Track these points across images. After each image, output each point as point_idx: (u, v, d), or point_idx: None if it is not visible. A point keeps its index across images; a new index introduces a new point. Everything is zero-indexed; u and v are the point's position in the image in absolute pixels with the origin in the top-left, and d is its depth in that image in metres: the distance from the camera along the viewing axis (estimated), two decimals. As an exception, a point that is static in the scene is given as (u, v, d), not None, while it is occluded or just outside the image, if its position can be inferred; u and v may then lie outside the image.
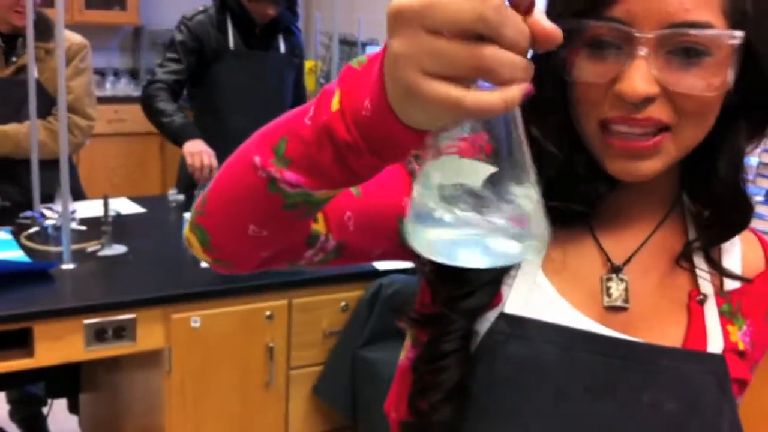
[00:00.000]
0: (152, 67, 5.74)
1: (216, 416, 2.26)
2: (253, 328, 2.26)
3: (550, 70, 0.73)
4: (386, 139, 0.55)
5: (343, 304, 2.36)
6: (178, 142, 2.88)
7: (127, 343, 2.09)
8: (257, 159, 0.64)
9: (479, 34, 0.46)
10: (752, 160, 2.66)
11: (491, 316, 0.79)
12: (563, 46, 0.69)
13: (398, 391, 0.88)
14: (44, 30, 2.76)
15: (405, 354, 0.88)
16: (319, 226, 0.76)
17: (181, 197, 2.90)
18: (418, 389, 0.80)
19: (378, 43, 4.89)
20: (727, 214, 0.81)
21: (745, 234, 0.87)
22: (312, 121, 0.59)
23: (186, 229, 0.75)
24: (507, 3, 0.47)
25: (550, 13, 0.74)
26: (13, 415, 3.04)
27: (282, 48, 3.15)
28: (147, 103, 2.96)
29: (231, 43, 3.03)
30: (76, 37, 2.86)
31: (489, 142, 0.51)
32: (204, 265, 2.18)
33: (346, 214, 0.78)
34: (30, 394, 2.97)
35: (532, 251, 0.52)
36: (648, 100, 0.70)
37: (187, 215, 2.48)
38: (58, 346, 2.03)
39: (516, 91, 0.47)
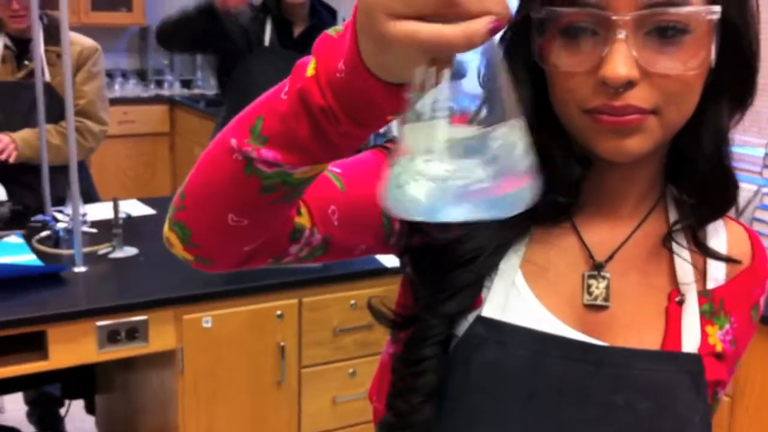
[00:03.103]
0: (160, 67, 5.79)
1: (229, 415, 2.29)
2: (264, 328, 2.28)
3: (521, 57, 0.72)
4: (361, 99, 0.55)
5: (352, 302, 2.37)
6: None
7: (139, 344, 2.11)
8: (233, 141, 0.63)
9: None
10: (759, 151, 2.66)
11: (470, 318, 0.78)
12: (538, 34, 0.70)
13: (379, 382, 0.88)
14: (55, 34, 2.78)
15: (385, 348, 0.88)
16: (303, 220, 0.75)
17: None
18: (398, 391, 0.80)
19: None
20: (713, 193, 0.79)
21: (733, 226, 0.86)
22: (288, 93, 0.59)
23: (165, 227, 0.73)
24: None
25: (523, 2, 0.73)
26: (31, 415, 3.07)
27: None
28: (164, 26, 2.96)
29: (267, 40, 3.06)
30: (87, 41, 2.87)
31: (472, 95, 0.49)
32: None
33: (330, 208, 0.77)
34: (47, 394, 3.01)
35: (527, 202, 0.50)
36: (629, 84, 0.69)
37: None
38: (71, 348, 2.05)
39: (480, 24, 0.46)
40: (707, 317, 0.81)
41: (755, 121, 2.70)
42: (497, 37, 0.49)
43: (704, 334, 0.81)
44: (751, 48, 0.74)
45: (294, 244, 0.75)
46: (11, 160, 2.67)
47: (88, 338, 2.05)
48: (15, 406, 3.13)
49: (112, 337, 2.06)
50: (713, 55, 0.71)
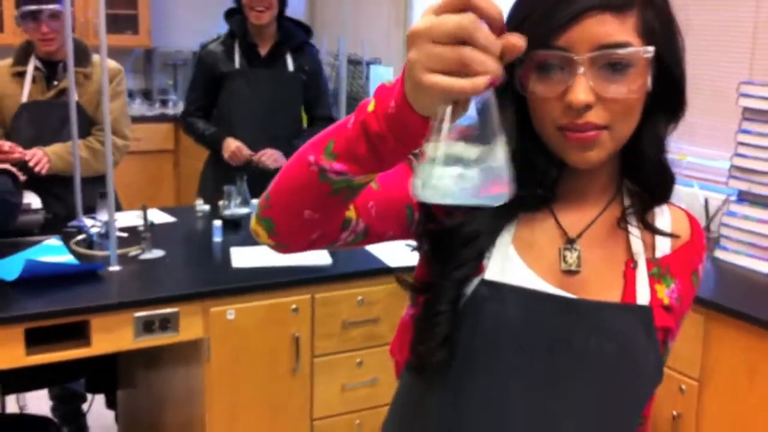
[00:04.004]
0: (164, 86, 6.04)
1: (249, 400, 2.51)
2: (280, 320, 2.52)
3: (508, 91, 0.96)
4: (404, 125, 0.79)
5: (359, 298, 2.62)
6: (216, 148, 3.38)
7: (171, 333, 2.35)
8: (311, 157, 0.87)
9: (463, 42, 0.72)
10: (724, 163, 2.92)
11: (475, 282, 1.00)
12: (519, 70, 0.96)
13: (400, 340, 1.12)
14: (82, 57, 3.03)
15: (405, 311, 1.12)
16: (351, 213, 0.98)
17: (207, 207, 3.17)
18: (419, 339, 1.02)
19: (380, 62, 5.18)
20: (655, 184, 1.05)
21: (677, 211, 1.12)
22: (353, 124, 0.84)
23: (253, 222, 0.98)
24: (484, 24, 0.72)
25: None
26: (56, 410, 3.27)
27: (290, 65, 3.43)
28: (186, 129, 3.58)
29: (237, 64, 3.37)
30: (111, 63, 3.09)
31: (475, 125, 0.75)
32: (235, 264, 2.46)
33: (369, 203, 1.00)
34: (71, 390, 3.22)
35: (503, 200, 0.76)
36: (588, 107, 0.93)
37: (216, 222, 2.76)
38: (111, 337, 2.29)
39: (482, 80, 0.71)
40: (656, 278, 1.06)
41: (724, 137, 2.97)
42: None
43: (653, 291, 1.05)
44: (678, 75, 1.01)
45: (344, 231, 0.99)
46: (43, 171, 2.90)
47: (126, 328, 2.29)
48: (39, 403, 3.32)
49: (147, 327, 2.30)
50: (649, 83, 0.97)
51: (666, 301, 1.06)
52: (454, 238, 1.02)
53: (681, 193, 3.02)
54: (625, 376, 1.03)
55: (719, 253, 2.73)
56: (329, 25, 5.62)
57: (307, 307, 2.56)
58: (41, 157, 2.91)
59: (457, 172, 0.74)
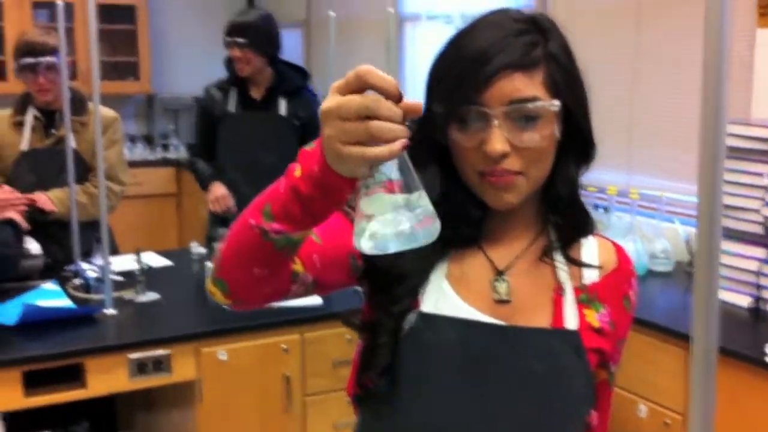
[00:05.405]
0: (166, 131, 6.15)
1: (241, 439, 2.57)
2: (271, 360, 2.58)
3: (431, 139, 1.06)
4: (330, 186, 0.89)
5: (348, 337, 2.66)
6: (205, 188, 3.51)
7: (164, 374, 2.41)
8: (252, 221, 0.96)
9: (369, 116, 0.81)
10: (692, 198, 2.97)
11: (412, 316, 1.09)
12: (441, 121, 1.05)
13: (353, 377, 1.19)
14: (79, 106, 3.13)
15: (355, 350, 1.18)
16: (298, 267, 1.07)
17: (203, 250, 3.25)
18: (362, 369, 1.10)
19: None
20: (573, 221, 1.14)
21: (604, 242, 1.19)
22: (284, 188, 0.94)
23: (208, 284, 1.06)
24: (383, 97, 0.82)
25: (429, 100, 1.07)
26: (57, 452, 3.32)
27: (284, 110, 3.51)
28: (189, 168, 3.86)
29: (231, 108, 3.49)
30: (107, 111, 3.19)
31: (395, 180, 0.84)
32: (226, 307, 2.52)
33: (314, 256, 1.08)
34: (73, 432, 3.27)
35: (434, 234, 0.85)
36: (504, 156, 1.03)
37: (209, 264, 2.82)
38: (106, 378, 2.35)
39: (396, 145, 0.82)
40: (584, 304, 1.13)
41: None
42: None
43: (582, 315, 1.12)
44: (584, 123, 1.10)
45: (293, 284, 1.08)
46: (54, 210, 2.98)
47: (120, 369, 2.35)
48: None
49: (141, 368, 2.37)
50: (557, 131, 1.07)
51: (596, 324, 1.13)
52: (390, 278, 1.10)
53: (662, 228, 3.09)
54: (556, 396, 1.10)
55: (702, 287, 2.78)
56: (323, 69, 5.74)
57: (297, 346, 2.62)
58: (46, 200, 3.00)
59: (389, 221, 0.84)
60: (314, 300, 2.66)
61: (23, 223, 2.83)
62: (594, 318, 1.13)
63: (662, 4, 3.28)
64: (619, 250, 1.20)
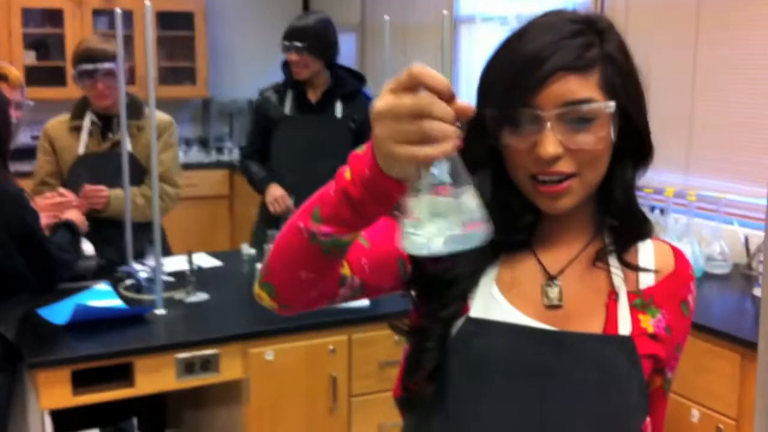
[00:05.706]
0: (221, 134, 6.25)
1: (288, 439, 2.58)
2: (318, 361, 2.59)
3: (483, 142, 1.05)
4: (380, 189, 0.88)
5: (396, 338, 2.65)
6: (262, 192, 3.53)
7: (211, 374, 2.44)
8: (301, 224, 0.96)
9: (421, 116, 0.80)
10: (763, 200, 2.90)
11: (461, 321, 1.07)
12: (496, 124, 1.03)
13: (398, 380, 1.18)
14: (135, 110, 3.19)
15: (402, 353, 1.18)
16: (346, 271, 1.07)
17: (253, 251, 3.28)
18: (408, 373, 1.10)
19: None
20: (629, 225, 1.12)
21: (661, 245, 1.16)
22: (334, 191, 0.93)
23: (256, 288, 1.06)
24: (436, 96, 0.81)
25: (482, 103, 1.05)
26: (108, 449, 3.39)
27: (339, 112, 3.53)
28: (242, 170, 3.81)
29: (287, 110, 3.50)
30: (163, 116, 3.24)
31: (445, 182, 0.83)
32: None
33: (362, 260, 1.08)
34: (123, 430, 3.33)
35: (484, 237, 0.84)
36: (557, 158, 1.01)
37: (258, 265, 2.85)
38: (154, 377, 2.39)
39: (447, 145, 0.81)
40: (639, 309, 1.11)
41: (764, 173, 2.96)
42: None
43: (636, 321, 1.10)
44: (641, 125, 1.07)
45: (341, 287, 1.08)
46: (100, 208, 3.04)
47: (168, 369, 2.39)
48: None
49: (188, 367, 2.40)
50: (613, 133, 1.04)
51: (651, 330, 1.10)
52: (439, 282, 1.08)
53: (720, 230, 3.01)
54: (609, 404, 1.07)
55: (758, 291, 2.71)
56: (378, 73, 5.77)
57: (344, 347, 2.63)
58: (106, 196, 3.05)
59: (439, 223, 0.83)
60: (362, 301, 2.66)
61: (83, 225, 2.89)
62: (649, 323, 1.11)
63: (721, 3, 3.20)
64: (678, 254, 1.17)
